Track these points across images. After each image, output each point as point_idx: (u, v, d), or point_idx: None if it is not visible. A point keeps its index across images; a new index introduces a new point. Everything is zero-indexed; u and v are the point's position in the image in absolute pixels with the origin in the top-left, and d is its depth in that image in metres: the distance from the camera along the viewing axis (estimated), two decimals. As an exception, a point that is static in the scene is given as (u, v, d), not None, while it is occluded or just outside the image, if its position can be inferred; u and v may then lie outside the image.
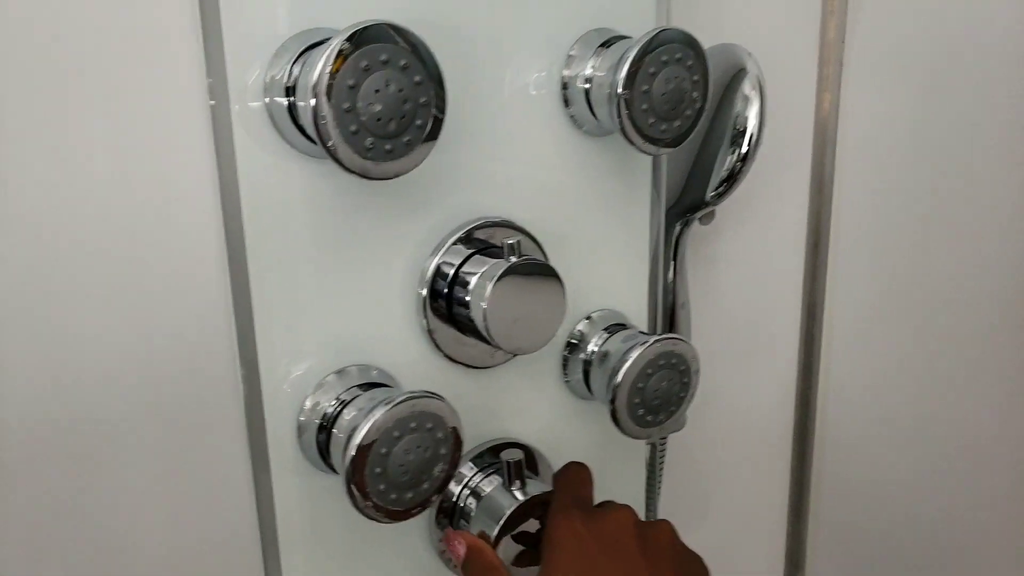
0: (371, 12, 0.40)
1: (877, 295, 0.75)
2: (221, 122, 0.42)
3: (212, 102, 0.42)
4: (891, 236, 0.73)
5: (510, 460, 0.51)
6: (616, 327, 0.56)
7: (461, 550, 0.47)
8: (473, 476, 0.53)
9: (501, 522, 0.49)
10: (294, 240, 0.44)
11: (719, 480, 0.79)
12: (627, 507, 0.48)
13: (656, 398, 0.53)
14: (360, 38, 0.37)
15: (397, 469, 0.43)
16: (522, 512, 0.50)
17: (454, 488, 0.52)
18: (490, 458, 0.54)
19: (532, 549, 0.50)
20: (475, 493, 0.52)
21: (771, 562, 0.87)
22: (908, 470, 0.77)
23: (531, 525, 0.51)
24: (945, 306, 0.71)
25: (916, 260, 0.72)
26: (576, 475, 0.51)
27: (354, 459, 0.42)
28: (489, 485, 0.52)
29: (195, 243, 0.44)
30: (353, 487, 0.42)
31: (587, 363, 0.55)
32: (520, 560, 0.51)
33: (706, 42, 0.51)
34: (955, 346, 0.71)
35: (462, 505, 0.52)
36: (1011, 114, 0.64)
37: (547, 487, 0.52)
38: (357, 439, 0.42)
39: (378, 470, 0.42)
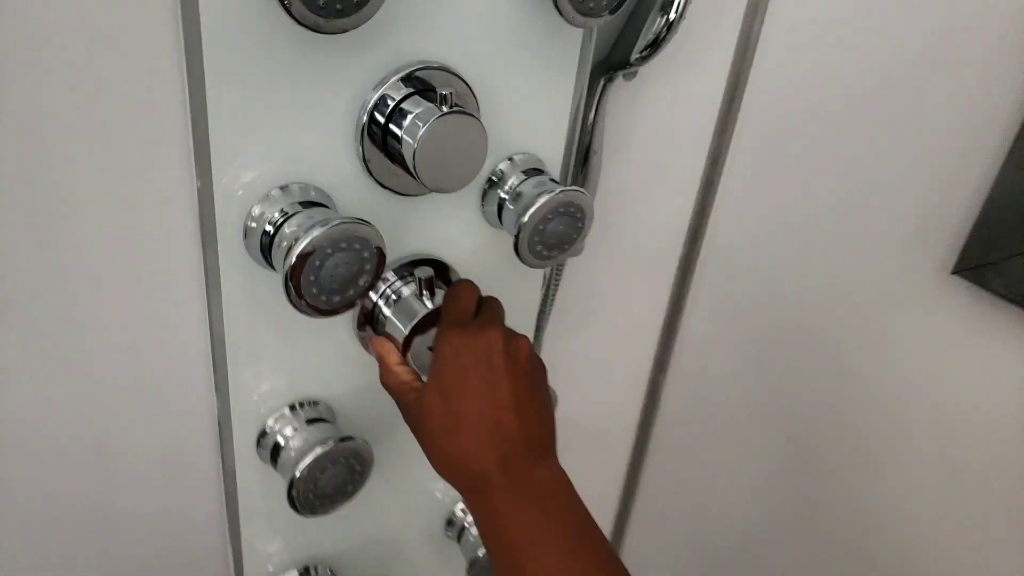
0: None
1: (774, 154, 0.84)
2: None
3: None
4: (806, 105, 0.81)
5: (422, 276, 0.61)
6: (533, 171, 0.64)
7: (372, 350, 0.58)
8: (393, 283, 0.63)
9: (411, 325, 0.59)
10: (251, 61, 0.49)
11: (606, 299, 0.92)
12: (497, 325, 0.57)
13: (553, 238, 0.62)
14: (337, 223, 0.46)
15: (327, 278, 0.52)
16: (431, 320, 0.61)
17: (376, 292, 0.62)
18: (409, 270, 0.63)
19: None
20: (394, 296, 0.62)
21: (641, 365, 1.02)
22: (783, 292, 0.90)
23: None
24: (841, 168, 0.80)
25: (822, 121, 0.80)
26: (461, 292, 0.61)
27: (293, 266, 0.50)
28: (405, 292, 0.62)
29: (157, 64, 0.49)
30: (290, 287, 0.51)
31: (502, 199, 0.64)
32: None
33: None
34: (832, 215, 0.81)
35: (382, 305, 0.62)
36: None
37: None
38: (297, 249, 0.50)
39: (312, 277, 0.51)
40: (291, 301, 0.52)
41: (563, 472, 0.54)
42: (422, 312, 0.60)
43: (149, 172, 0.53)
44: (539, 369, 0.58)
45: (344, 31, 0.46)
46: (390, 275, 0.62)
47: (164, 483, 0.67)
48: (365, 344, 0.64)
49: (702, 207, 0.90)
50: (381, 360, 0.60)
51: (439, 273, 0.65)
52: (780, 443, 0.94)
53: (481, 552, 0.80)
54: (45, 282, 0.54)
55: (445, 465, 0.54)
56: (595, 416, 1.01)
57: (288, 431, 0.64)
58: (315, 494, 0.62)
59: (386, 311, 0.62)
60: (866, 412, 0.83)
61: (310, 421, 0.64)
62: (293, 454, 0.62)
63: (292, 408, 0.65)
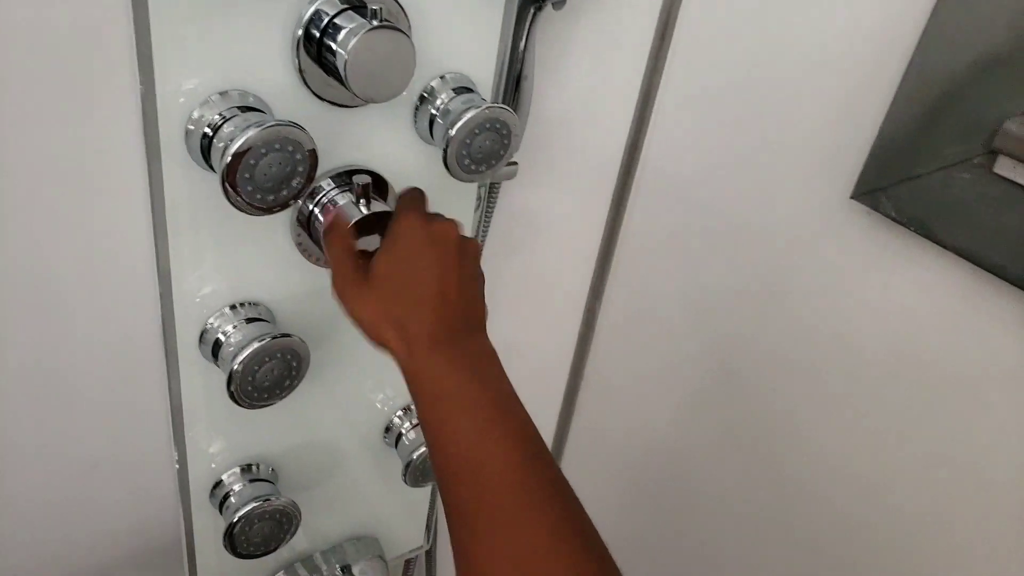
0: None
1: (702, 88, 0.89)
2: None
3: None
4: (731, 44, 0.85)
5: (359, 182, 0.65)
6: (462, 90, 0.68)
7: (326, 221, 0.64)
8: (330, 191, 0.67)
9: (348, 226, 0.64)
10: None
11: (542, 224, 0.97)
12: (453, 221, 0.63)
13: (480, 152, 0.67)
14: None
15: (262, 177, 0.56)
16: (367, 225, 0.65)
17: (313, 199, 0.66)
18: (346, 179, 0.67)
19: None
20: (331, 203, 0.67)
21: (578, 290, 1.08)
22: (711, 221, 0.96)
23: (373, 243, 0.66)
24: (759, 104, 0.86)
25: (743, 62, 0.85)
26: (418, 192, 0.66)
27: (229, 164, 0.55)
28: (342, 199, 0.67)
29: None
30: (227, 185, 0.55)
31: (433, 115, 0.68)
32: None
33: None
34: (752, 148, 0.87)
35: (319, 212, 0.66)
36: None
37: (390, 208, 0.67)
38: (232, 148, 0.54)
39: (247, 175, 0.56)
40: (228, 198, 0.56)
41: (493, 349, 0.59)
42: (358, 215, 0.64)
43: (93, 79, 0.57)
44: (480, 270, 0.64)
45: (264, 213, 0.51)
46: (327, 183, 0.66)
47: (110, 383, 0.71)
48: (302, 248, 0.69)
49: (635, 138, 0.94)
50: (336, 223, 0.63)
51: (375, 185, 0.69)
52: (708, 366, 1.00)
53: (415, 455, 0.85)
54: (-6, 177, 0.57)
55: (385, 324, 0.58)
56: (533, 339, 1.07)
57: (228, 328, 0.68)
58: (253, 386, 0.67)
59: (322, 216, 0.66)
60: (781, 335, 0.90)
61: (249, 320, 0.69)
62: (232, 348, 0.66)
63: (233, 308, 0.69)
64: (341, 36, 0.57)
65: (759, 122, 0.84)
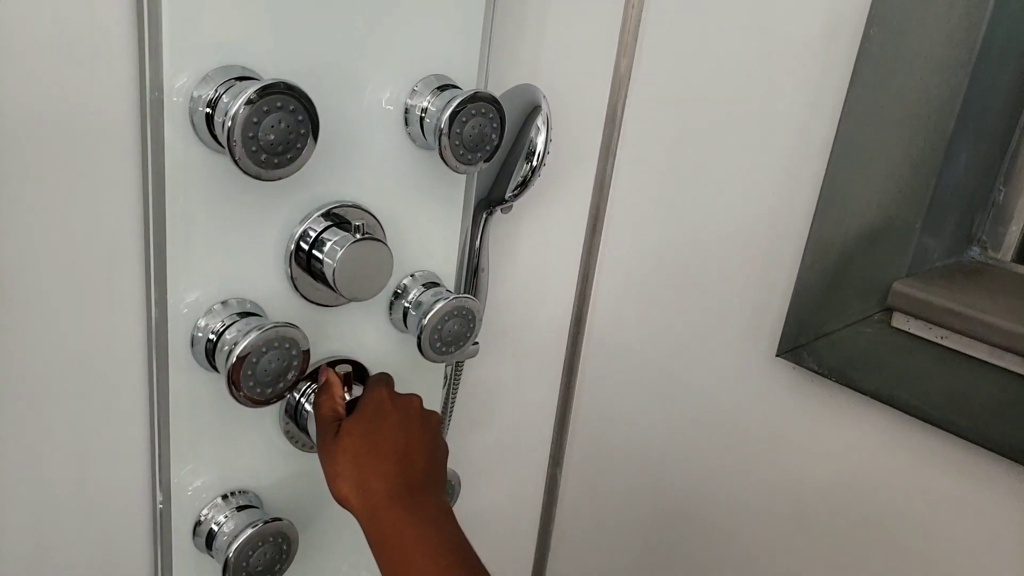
0: (270, 59, 0.59)
1: (639, 264, 1.01)
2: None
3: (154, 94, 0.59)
4: (658, 229, 0.98)
5: (340, 372, 0.72)
6: (431, 284, 0.78)
7: (320, 378, 0.71)
8: (312, 384, 0.74)
9: (338, 396, 0.70)
10: (203, 205, 0.62)
11: (503, 396, 1.04)
12: (417, 397, 0.71)
13: (450, 336, 0.76)
14: (265, 91, 0.56)
15: (263, 373, 0.64)
16: (349, 406, 0.72)
17: (299, 391, 0.73)
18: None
19: None
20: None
21: (539, 461, 1.14)
22: (653, 377, 1.05)
23: None
24: (688, 278, 0.97)
25: (670, 244, 0.98)
26: (387, 375, 0.74)
27: (234, 365, 0.62)
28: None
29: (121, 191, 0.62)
30: (231, 384, 0.62)
31: (406, 308, 0.77)
32: None
33: (521, 78, 0.72)
34: (685, 314, 0.98)
35: (305, 402, 0.73)
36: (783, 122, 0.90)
37: None
38: (237, 351, 0.62)
39: (249, 372, 0.63)
40: (232, 395, 0.63)
41: (450, 507, 0.66)
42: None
43: (108, 294, 0.64)
44: (442, 440, 0.71)
45: (279, 179, 0.60)
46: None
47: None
48: (289, 436, 0.75)
49: (579, 311, 1.05)
50: (328, 387, 0.71)
51: (355, 373, 0.76)
52: (667, 517, 1.06)
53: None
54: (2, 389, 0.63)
55: (353, 486, 0.63)
56: (499, 507, 1.11)
57: (221, 518, 0.72)
58: (248, 573, 0.70)
59: (308, 406, 0.73)
60: (732, 485, 0.97)
61: (240, 508, 0.73)
62: (226, 537, 0.70)
63: (224, 497, 0.73)
64: (328, 248, 0.67)
65: (689, 295, 0.96)
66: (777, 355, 0.85)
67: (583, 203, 0.99)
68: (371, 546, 0.62)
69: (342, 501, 0.64)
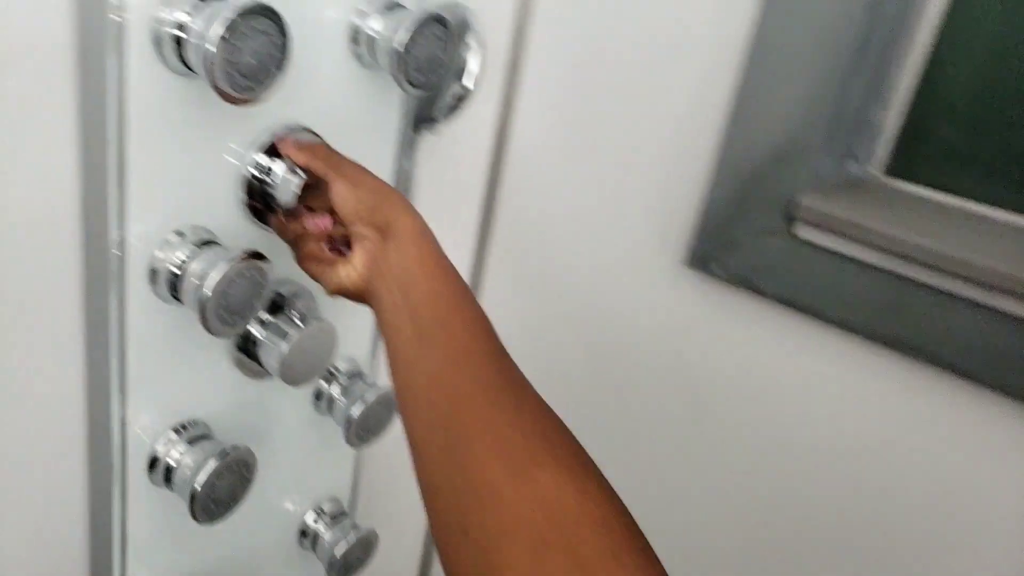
0: None
1: (540, 172, 1.07)
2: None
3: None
4: (563, 139, 1.04)
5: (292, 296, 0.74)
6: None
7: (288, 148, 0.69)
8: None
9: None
10: (155, 128, 0.62)
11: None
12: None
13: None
14: (248, 11, 0.56)
15: (235, 303, 0.65)
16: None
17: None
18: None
19: None
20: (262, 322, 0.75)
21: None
22: (565, 303, 1.13)
23: None
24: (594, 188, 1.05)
25: (578, 150, 1.04)
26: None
27: (208, 297, 0.63)
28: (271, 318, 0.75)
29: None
30: (203, 317, 0.63)
31: (349, 232, 0.79)
32: None
33: None
34: (595, 229, 1.06)
35: (254, 331, 0.74)
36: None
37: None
38: (208, 283, 0.63)
39: (223, 303, 0.64)
40: (205, 327, 0.64)
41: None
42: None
43: (48, 229, 0.62)
44: None
45: (251, 104, 0.60)
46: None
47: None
48: (240, 364, 0.76)
49: (484, 231, 1.11)
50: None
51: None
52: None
53: (339, 551, 0.92)
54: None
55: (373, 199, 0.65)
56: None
57: (175, 453, 0.73)
58: (214, 502, 0.73)
59: (257, 333, 0.74)
60: (636, 392, 1.08)
61: (192, 440, 0.74)
62: (189, 471, 0.72)
63: (176, 431, 0.74)
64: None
65: (597, 210, 1.04)
66: (687, 265, 0.95)
67: (490, 119, 1.03)
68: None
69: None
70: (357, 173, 0.67)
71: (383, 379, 0.91)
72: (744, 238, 0.90)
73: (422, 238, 0.64)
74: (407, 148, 0.87)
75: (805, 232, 0.86)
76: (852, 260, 0.85)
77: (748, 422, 0.98)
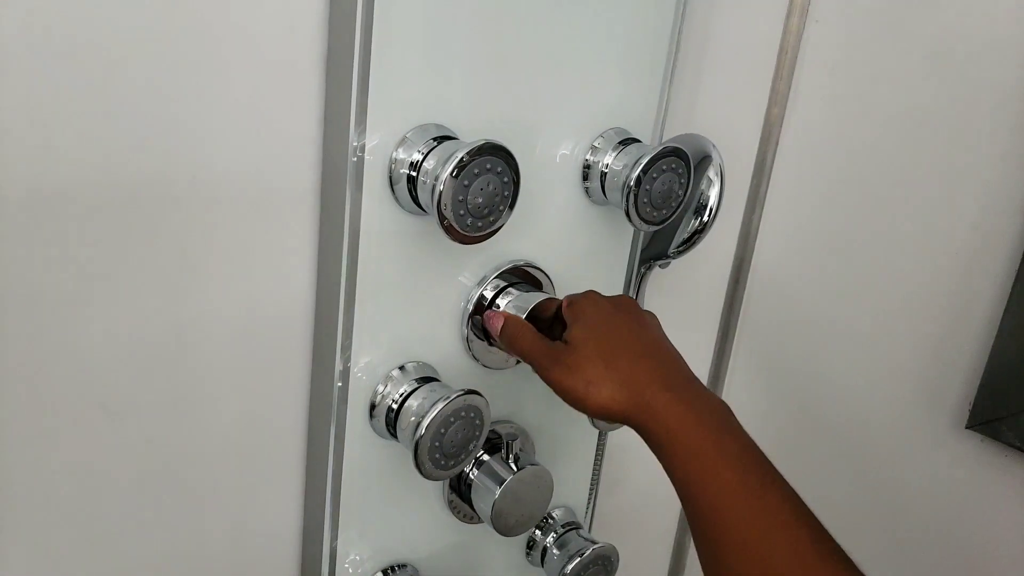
0: (465, 116, 0.59)
1: (781, 330, 0.98)
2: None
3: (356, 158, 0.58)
4: (806, 274, 0.96)
5: (510, 439, 0.71)
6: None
7: (499, 322, 0.64)
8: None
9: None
10: (388, 266, 0.62)
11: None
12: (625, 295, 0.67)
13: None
14: (477, 151, 0.55)
15: (449, 444, 0.62)
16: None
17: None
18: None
19: None
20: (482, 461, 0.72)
21: (667, 526, 1.11)
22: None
23: None
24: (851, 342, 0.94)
25: (820, 298, 0.95)
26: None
27: (422, 436, 0.60)
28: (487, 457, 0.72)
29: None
30: (417, 455, 0.61)
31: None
32: None
33: (680, 128, 0.71)
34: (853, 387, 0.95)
35: (469, 471, 0.71)
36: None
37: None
38: (426, 422, 0.61)
39: (437, 444, 0.62)
40: (418, 467, 0.61)
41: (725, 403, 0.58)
42: (510, 476, 0.69)
43: (277, 361, 0.64)
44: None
45: (478, 243, 0.59)
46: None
47: None
48: (452, 507, 0.73)
49: (716, 378, 1.03)
50: (514, 323, 0.64)
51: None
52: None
53: (570, 568, 0.81)
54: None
55: (615, 385, 0.57)
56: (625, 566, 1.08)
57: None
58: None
59: (473, 476, 0.71)
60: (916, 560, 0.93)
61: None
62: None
63: (384, 572, 0.72)
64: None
65: (854, 367, 0.93)
66: (967, 427, 0.82)
67: (727, 257, 0.97)
68: (655, 448, 0.56)
69: (604, 406, 0.57)
70: (569, 355, 0.59)
71: (600, 532, 0.85)
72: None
73: (700, 427, 0.55)
74: (635, 283, 0.83)
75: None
76: None
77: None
